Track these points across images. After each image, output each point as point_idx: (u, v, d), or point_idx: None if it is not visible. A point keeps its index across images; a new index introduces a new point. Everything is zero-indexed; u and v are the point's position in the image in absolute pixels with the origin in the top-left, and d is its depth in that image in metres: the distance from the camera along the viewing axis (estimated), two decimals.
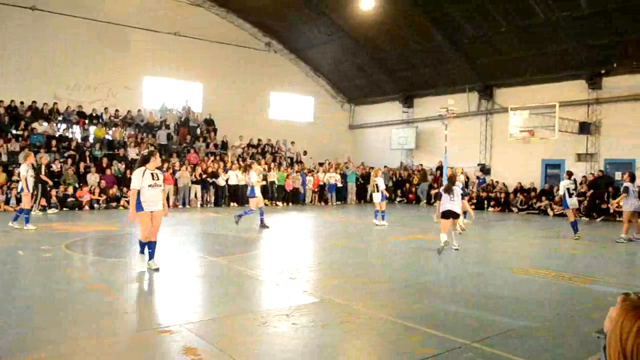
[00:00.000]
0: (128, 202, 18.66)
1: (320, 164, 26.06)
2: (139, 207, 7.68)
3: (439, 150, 19.59)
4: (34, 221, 13.08)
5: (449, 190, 10.23)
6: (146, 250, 7.92)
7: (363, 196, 25.41)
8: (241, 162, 21.73)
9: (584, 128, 19.86)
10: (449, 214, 10.15)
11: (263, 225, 13.87)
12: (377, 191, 14.78)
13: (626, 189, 12.43)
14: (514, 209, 21.05)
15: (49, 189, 16.98)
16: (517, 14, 19.02)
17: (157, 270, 7.78)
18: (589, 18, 17.80)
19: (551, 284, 7.85)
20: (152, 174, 7.79)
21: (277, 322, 5.47)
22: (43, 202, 16.68)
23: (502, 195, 21.64)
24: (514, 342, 5.03)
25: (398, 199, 25.40)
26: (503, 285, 7.81)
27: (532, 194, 21.14)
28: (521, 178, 21.72)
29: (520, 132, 19.76)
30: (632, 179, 12.62)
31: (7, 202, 16.74)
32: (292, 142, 26.87)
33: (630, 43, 18.07)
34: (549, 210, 19.82)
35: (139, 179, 7.68)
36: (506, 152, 22.32)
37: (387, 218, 15.31)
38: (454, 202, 10.16)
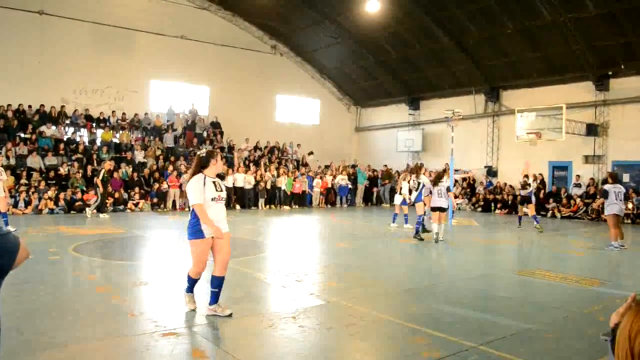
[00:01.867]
0: (135, 204, 18.90)
1: (327, 167, 26.07)
2: (198, 232, 5.61)
3: (446, 152, 19.54)
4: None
5: (436, 184, 12.04)
6: (196, 287, 6.07)
7: (369, 199, 25.43)
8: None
9: (591, 130, 19.78)
10: (437, 209, 11.87)
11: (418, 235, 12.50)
12: (400, 193, 15.05)
13: (605, 193, 11.52)
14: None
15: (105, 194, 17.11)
16: (523, 15, 18.99)
17: (229, 316, 5.69)
18: (595, 19, 17.74)
19: (557, 286, 7.82)
20: (214, 183, 5.69)
21: (283, 324, 5.49)
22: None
23: (509, 197, 21.56)
24: (520, 345, 5.02)
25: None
26: (508, 287, 7.80)
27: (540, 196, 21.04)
28: None
29: (527, 134, 19.70)
30: (615, 180, 11.70)
31: (15, 205, 16.85)
32: (299, 145, 26.89)
33: (637, 44, 17.97)
34: (556, 212, 19.74)
35: (200, 190, 5.53)
36: (513, 154, 22.25)
37: (389, 220, 15.33)
38: (442, 198, 11.86)
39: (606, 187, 11.64)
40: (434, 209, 12.00)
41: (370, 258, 10.37)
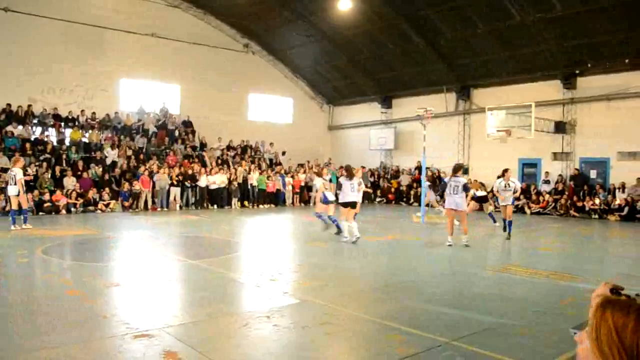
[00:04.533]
0: (106, 205, 18.57)
1: (300, 165, 26.05)
2: None
3: (418, 150, 19.72)
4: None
5: (350, 178, 11.84)
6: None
7: None
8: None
9: (560, 127, 20.18)
10: (348, 204, 11.69)
11: (339, 231, 12.46)
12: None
13: (465, 187, 11.29)
14: (491, 207, 21.21)
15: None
16: (493, 15, 19.25)
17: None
18: (563, 19, 18.11)
19: (528, 281, 7.96)
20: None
21: (258, 324, 5.46)
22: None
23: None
24: (492, 339, 5.09)
25: (378, 199, 25.51)
26: (481, 283, 7.91)
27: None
28: None
29: (498, 131, 19.98)
30: (454, 171, 11.48)
31: None
32: (271, 144, 26.81)
33: (603, 44, 18.42)
34: (526, 208, 20.10)
35: None
36: (484, 152, 22.57)
37: (364, 218, 15.35)
38: (354, 192, 11.71)
39: (449, 180, 11.66)
40: (345, 205, 11.68)
41: (343, 257, 10.40)
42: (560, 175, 20.45)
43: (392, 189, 25.41)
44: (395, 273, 8.70)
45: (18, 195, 13.21)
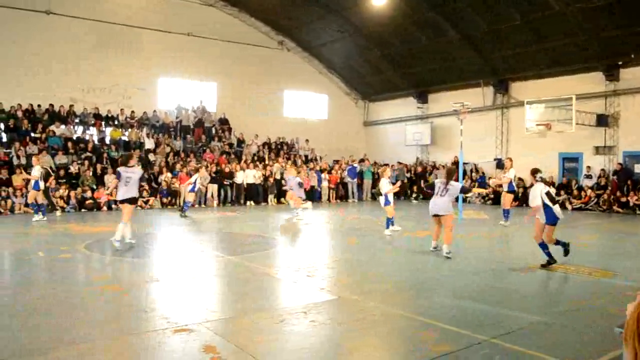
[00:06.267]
0: (145, 202, 18.96)
1: (336, 161, 26.03)
2: None
3: (455, 145, 19.48)
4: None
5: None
6: None
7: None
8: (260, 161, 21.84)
9: (602, 120, 19.60)
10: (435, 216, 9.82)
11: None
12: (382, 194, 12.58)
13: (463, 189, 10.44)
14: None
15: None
16: (530, 6, 18.79)
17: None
18: (603, 9, 17.54)
19: (568, 278, 7.78)
20: None
21: (294, 319, 5.49)
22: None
23: (520, 190, 21.39)
24: (533, 337, 5.00)
25: (414, 196, 25.28)
26: (519, 280, 7.76)
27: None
28: None
29: (537, 125, 19.56)
30: (449, 176, 9.71)
31: (26, 204, 16.96)
32: (307, 140, 26.89)
33: None
34: (567, 203, 19.61)
35: None
36: (523, 147, 22.09)
37: (401, 215, 15.26)
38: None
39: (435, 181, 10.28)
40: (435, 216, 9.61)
41: (379, 253, 10.36)
42: (602, 169, 19.86)
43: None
44: (430, 269, 8.61)
45: (38, 190, 14.72)
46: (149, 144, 21.92)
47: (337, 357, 4.70)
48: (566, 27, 18.86)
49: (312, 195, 22.95)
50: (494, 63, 22.80)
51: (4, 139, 19.55)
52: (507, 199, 14.64)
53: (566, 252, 8.55)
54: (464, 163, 17.61)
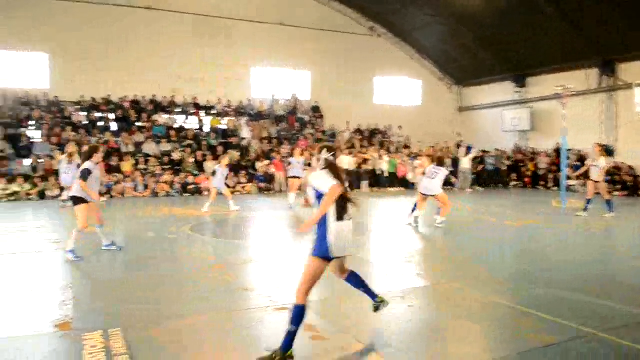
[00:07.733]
0: (243, 187, 19.64)
1: (432, 147, 25.44)
2: None
3: (557, 131, 18.43)
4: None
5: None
6: None
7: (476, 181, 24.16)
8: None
9: None
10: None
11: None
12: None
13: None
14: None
15: None
16: None
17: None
18: None
19: None
20: None
21: (393, 303, 5.46)
22: None
23: (630, 178, 19.96)
24: None
25: (513, 183, 24.27)
26: (629, 273, 7.26)
27: None
28: None
29: None
30: (439, 162, 12.03)
31: (135, 188, 18.15)
32: (400, 127, 26.55)
33: None
34: None
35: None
36: (634, 132, 20.50)
37: (501, 203, 14.70)
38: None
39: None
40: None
41: (478, 241, 10.08)
42: None
43: (529, 172, 24.02)
44: (531, 259, 8.26)
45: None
46: (246, 132, 22.64)
47: (437, 342, 4.66)
48: None
49: (406, 182, 22.53)
50: (597, 42, 21.10)
51: (114, 129, 20.96)
52: (602, 188, 13.28)
53: None
54: (568, 150, 16.58)
